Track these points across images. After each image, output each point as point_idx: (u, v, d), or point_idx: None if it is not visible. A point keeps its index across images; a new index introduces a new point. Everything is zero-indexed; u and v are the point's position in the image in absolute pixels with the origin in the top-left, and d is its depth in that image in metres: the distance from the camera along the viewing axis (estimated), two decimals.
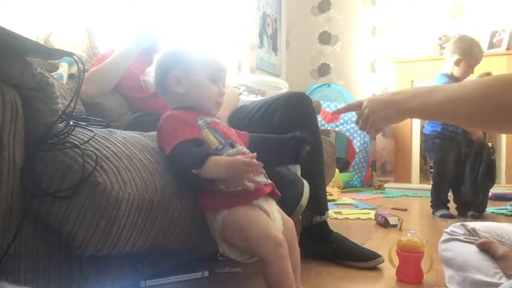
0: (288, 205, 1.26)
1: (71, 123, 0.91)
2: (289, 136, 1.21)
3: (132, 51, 1.71)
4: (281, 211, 1.09)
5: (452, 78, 2.59)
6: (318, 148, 1.60)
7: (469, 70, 2.58)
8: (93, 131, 0.93)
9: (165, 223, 0.97)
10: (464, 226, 1.14)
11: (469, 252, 1.07)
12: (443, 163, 2.61)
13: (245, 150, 1.07)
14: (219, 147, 1.01)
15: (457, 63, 2.58)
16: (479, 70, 2.66)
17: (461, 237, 1.12)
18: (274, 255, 0.94)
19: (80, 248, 0.84)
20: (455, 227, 1.16)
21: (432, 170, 3.66)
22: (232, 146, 1.03)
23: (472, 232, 1.11)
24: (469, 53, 2.55)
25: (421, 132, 4.11)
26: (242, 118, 1.56)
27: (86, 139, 0.89)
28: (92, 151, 0.86)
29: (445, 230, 1.19)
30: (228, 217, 0.99)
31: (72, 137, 0.88)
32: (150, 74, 1.74)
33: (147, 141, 1.03)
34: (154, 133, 1.12)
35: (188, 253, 1.33)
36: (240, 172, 0.94)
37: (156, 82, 1.16)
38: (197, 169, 0.94)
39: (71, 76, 1.61)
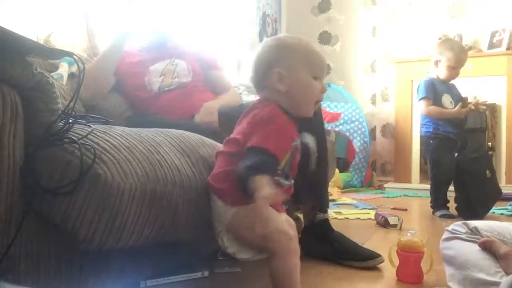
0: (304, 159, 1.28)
1: (70, 120, 0.91)
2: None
3: (113, 49, 1.69)
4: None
5: (437, 81, 2.61)
6: (323, 147, 1.61)
7: (452, 71, 2.58)
8: (91, 127, 0.93)
9: (170, 212, 0.96)
10: (466, 224, 1.14)
11: (470, 251, 1.07)
12: (437, 163, 2.62)
13: (292, 183, 1.05)
14: (279, 172, 0.99)
15: (436, 63, 2.63)
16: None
17: (463, 236, 1.12)
18: (286, 249, 0.94)
19: (84, 242, 0.84)
20: (457, 225, 1.16)
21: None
22: (287, 178, 1.03)
23: (474, 231, 1.11)
24: (447, 52, 2.57)
25: (421, 132, 4.12)
26: None
27: (84, 134, 0.88)
28: (91, 145, 0.86)
29: (446, 228, 1.19)
30: (239, 212, 0.98)
31: (70, 133, 0.88)
32: (154, 73, 1.72)
33: (147, 133, 1.03)
34: (153, 129, 1.12)
35: (188, 253, 1.33)
36: (255, 218, 0.92)
37: (255, 77, 1.09)
38: (254, 173, 0.89)
39: (71, 75, 1.61)
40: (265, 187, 0.87)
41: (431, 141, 2.65)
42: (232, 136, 1.06)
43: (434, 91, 2.59)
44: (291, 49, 1.06)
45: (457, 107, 2.56)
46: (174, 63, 1.77)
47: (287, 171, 1.03)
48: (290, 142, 1.01)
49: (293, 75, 1.03)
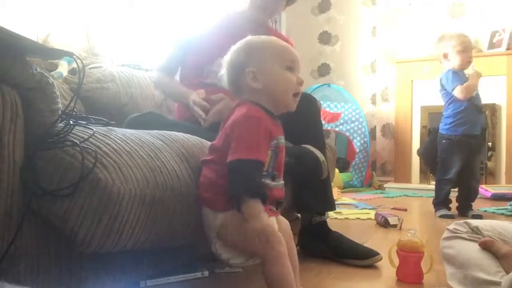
0: (314, 170, 1.31)
1: (71, 122, 0.91)
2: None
3: (184, 101, 1.62)
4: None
5: (456, 71, 2.57)
6: (322, 150, 1.60)
7: (463, 55, 2.52)
8: (93, 129, 0.93)
9: (167, 219, 0.97)
10: (467, 224, 1.14)
11: (471, 250, 1.07)
12: (444, 163, 2.62)
13: (281, 183, 1.06)
14: (264, 173, 1.00)
15: (445, 56, 2.59)
16: (480, 70, 2.63)
17: (464, 235, 1.12)
18: (275, 252, 0.94)
19: (82, 245, 0.84)
20: (458, 224, 1.16)
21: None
22: (273, 178, 1.03)
23: (475, 230, 1.11)
24: (450, 41, 2.56)
25: (421, 132, 4.12)
26: None
27: (86, 137, 0.89)
28: (92, 149, 0.86)
29: (447, 227, 1.19)
30: (228, 216, 0.99)
31: (71, 135, 0.88)
32: (215, 67, 1.61)
33: (148, 137, 1.03)
34: (154, 131, 1.12)
35: (188, 253, 1.33)
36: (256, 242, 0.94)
37: (229, 82, 1.09)
38: (246, 197, 0.94)
39: (72, 71, 1.61)
40: (258, 217, 0.93)
41: (443, 141, 2.65)
42: (214, 142, 1.07)
43: (460, 78, 2.56)
44: (258, 47, 1.06)
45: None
46: None
47: (273, 171, 1.03)
48: (268, 141, 1.00)
49: (265, 70, 1.03)
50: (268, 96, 1.04)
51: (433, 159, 2.75)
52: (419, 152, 2.97)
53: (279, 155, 1.04)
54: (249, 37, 1.10)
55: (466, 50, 2.54)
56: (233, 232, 0.99)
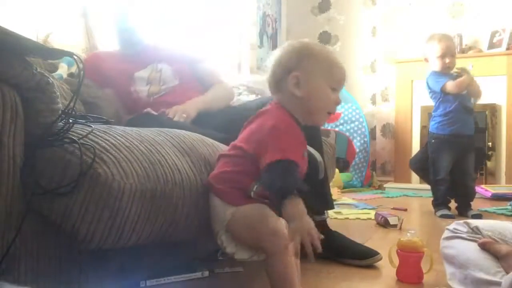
0: (312, 170, 1.28)
1: (70, 120, 0.91)
2: None
3: None
4: None
5: (440, 73, 2.57)
6: (319, 149, 1.61)
7: (442, 61, 2.53)
8: (91, 127, 0.93)
9: (170, 213, 0.96)
10: (467, 224, 1.14)
11: (471, 250, 1.07)
12: (435, 163, 2.63)
13: None
14: None
15: (426, 60, 2.66)
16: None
17: (464, 235, 1.12)
18: (283, 249, 0.95)
19: (84, 242, 0.84)
20: (458, 224, 1.16)
21: None
22: None
23: (475, 230, 1.11)
24: (429, 45, 2.59)
25: (421, 132, 4.12)
26: (242, 117, 1.56)
27: (85, 134, 0.89)
28: (91, 145, 0.86)
29: (447, 227, 1.19)
30: (238, 211, 0.99)
31: (70, 133, 0.88)
32: (139, 81, 1.72)
33: (148, 133, 1.03)
34: (154, 128, 1.12)
35: (188, 252, 1.33)
36: (298, 235, 0.92)
37: (272, 78, 1.07)
38: (293, 194, 0.92)
39: (70, 75, 1.61)
40: (305, 218, 0.92)
41: (433, 141, 2.66)
42: (237, 143, 1.06)
43: (444, 77, 2.55)
44: (313, 56, 1.05)
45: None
46: (158, 69, 1.74)
47: None
48: (302, 153, 1.02)
49: (311, 81, 1.03)
50: (304, 106, 1.04)
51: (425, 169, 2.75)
52: (411, 163, 2.96)
53: (303, 167, 1.05)
54: (307, 41, 1.09)
55: (445, 55, 2.54)
56: (241, 225, 0.99)
